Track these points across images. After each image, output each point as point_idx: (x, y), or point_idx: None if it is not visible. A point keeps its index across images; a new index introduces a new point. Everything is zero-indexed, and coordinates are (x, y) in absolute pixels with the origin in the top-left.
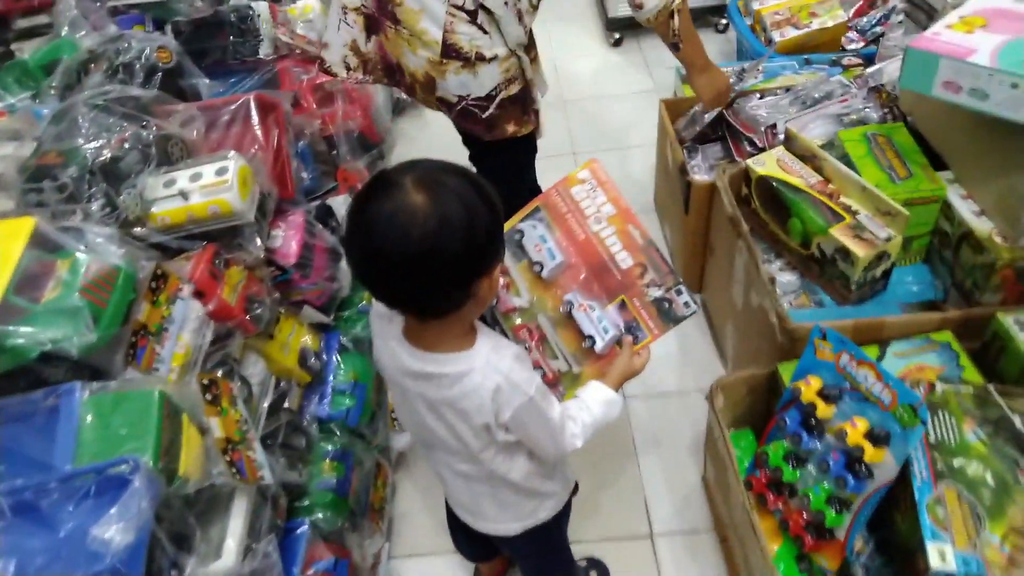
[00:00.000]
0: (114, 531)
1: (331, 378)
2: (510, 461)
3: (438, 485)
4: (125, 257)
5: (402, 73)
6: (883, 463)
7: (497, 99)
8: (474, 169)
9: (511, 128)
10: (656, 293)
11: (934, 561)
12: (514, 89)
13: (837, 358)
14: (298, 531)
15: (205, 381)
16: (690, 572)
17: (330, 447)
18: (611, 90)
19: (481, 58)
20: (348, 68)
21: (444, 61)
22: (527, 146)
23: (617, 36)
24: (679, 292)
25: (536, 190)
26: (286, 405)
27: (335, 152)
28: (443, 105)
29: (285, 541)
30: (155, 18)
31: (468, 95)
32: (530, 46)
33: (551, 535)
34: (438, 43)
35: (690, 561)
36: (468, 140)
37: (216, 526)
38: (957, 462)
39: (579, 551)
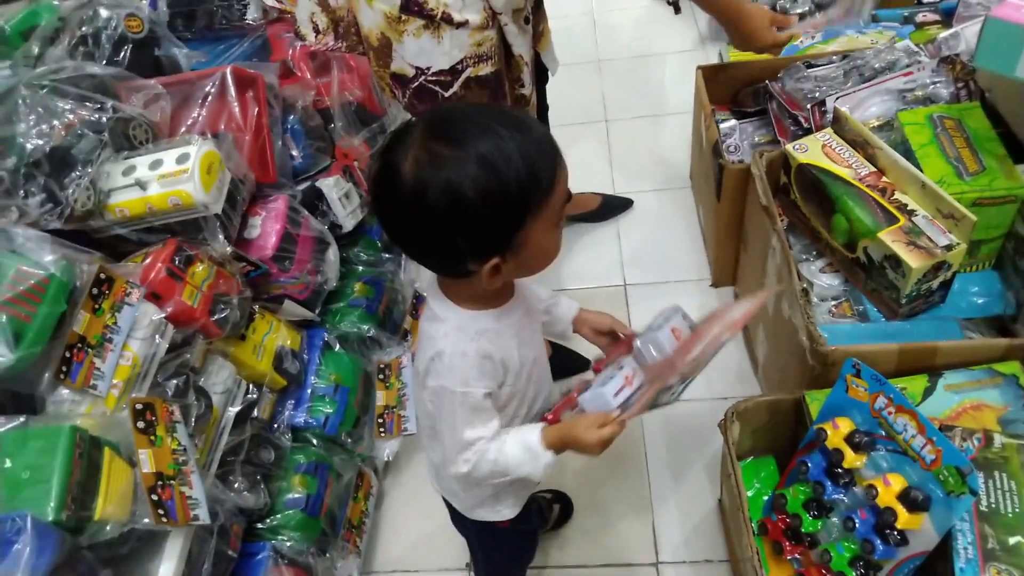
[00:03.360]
0: None
1: (311, 380)
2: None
3: (428, 494)
4: (59, 263)
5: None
6: (920, 531)
7: (463, 76)
8: None
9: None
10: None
11: None
12: (485, 70)
13: (872, 399)
14: (258, 556)
15: (138, 406)
16: None
17: (303, 459)
18: (654, 48)
19: (448, 20)
20: (316, 31)
21: (403, 18)
22: None
23: None
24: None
25: None
26: (255, 414)
27: (331, 127)
28: (397, 85)
29: (241, 568)
30: None
31: (428, 68)
32: (538, 14)
33: (486, 538)
34: None
35: None
36: None
37: (148, 567)
38: (1014, 540)
39: (576, 573)
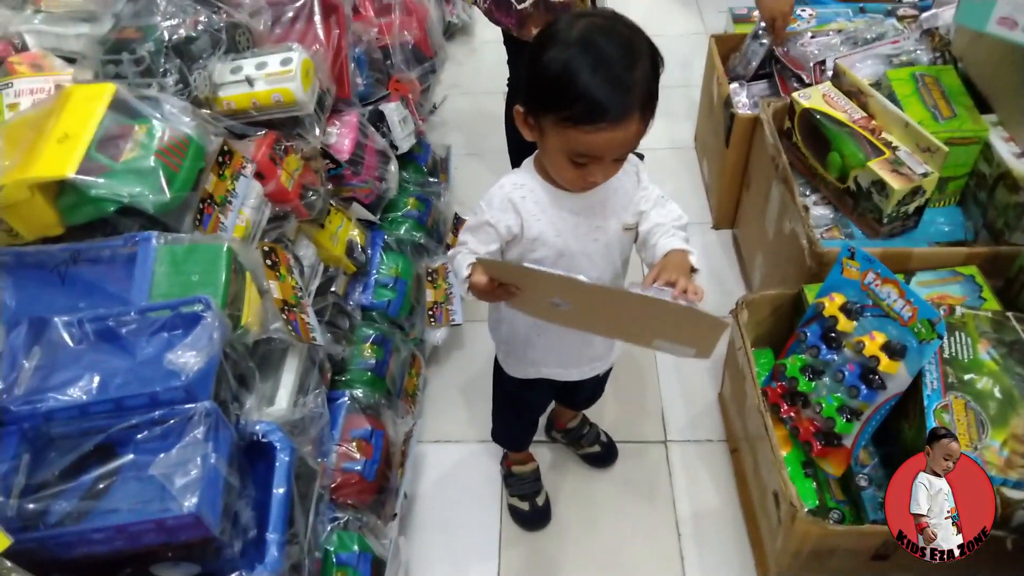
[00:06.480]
0: (188, 356)
1: (375, 271)
2: None
3: (468, 382)
4: (196, 129)
5: None
6: (896, 374)
7: None
8: None
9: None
10: None
11: None
12: None
13: (863, 276)
14: (339, 401)
15: (265, 247)
16: (700, 475)
17: (371, 332)
18: (658, 31)
19: None
20: None
21: None
22: None
23: None
24: None
25: None
26: (333, 289)
27: (389, 62)
28: None
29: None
30: None
31: None
32: None
33: (495, 371)
34: None
35: (700, 466)
36: (505, 38)
37: (270, 379)
38: (968, 376)
39: None
